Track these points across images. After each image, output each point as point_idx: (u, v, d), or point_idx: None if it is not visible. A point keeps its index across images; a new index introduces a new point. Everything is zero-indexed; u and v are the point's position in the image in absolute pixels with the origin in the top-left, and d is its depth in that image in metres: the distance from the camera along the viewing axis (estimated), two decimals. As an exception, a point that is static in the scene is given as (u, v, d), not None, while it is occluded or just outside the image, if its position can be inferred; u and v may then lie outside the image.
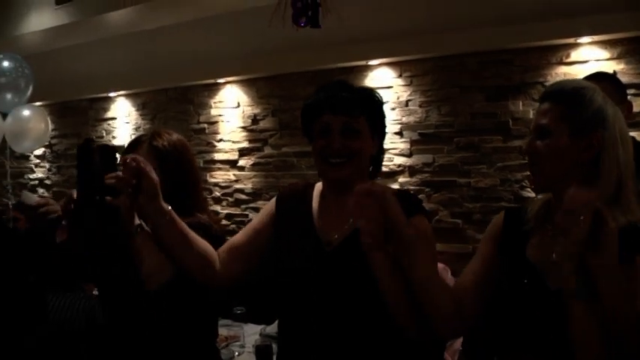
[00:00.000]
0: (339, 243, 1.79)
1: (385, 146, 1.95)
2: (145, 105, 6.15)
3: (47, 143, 6.45)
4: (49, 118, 5.75)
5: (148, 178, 1.70)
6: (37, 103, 6.72)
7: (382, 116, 1.89)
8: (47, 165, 6.95)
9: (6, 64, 5.22)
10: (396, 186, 4.57)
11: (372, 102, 1.86)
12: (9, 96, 5.27)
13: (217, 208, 5.56)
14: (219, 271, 1.85)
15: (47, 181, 6.98)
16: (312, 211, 1.89)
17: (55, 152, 6.85)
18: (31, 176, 7.10)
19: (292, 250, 1.85)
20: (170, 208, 1.74)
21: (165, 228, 1.74)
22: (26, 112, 5.36)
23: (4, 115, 5.29)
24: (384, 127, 1.91)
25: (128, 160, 1.72)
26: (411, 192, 2.55)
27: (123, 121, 6.32)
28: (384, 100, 1.97)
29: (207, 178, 5.61)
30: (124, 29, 5.32)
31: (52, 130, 6.70)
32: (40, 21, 5.38)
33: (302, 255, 1.82)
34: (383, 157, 1.95)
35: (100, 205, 1.70)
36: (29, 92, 5.36)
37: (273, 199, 1.97)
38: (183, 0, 4.66)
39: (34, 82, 5.32)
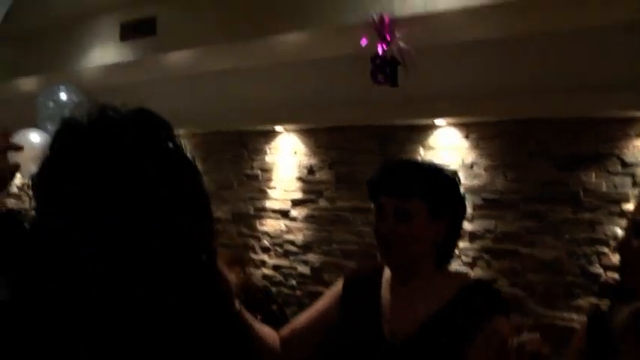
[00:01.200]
0: (405, 338, 1.69)
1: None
2: (199, 145, 6.09)
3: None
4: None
5: None
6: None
7: (449, 197, 1.76)
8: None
9: (63, 95, 5.21)
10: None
11: (432, 182, 1.74)
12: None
13: (265, 257, 5.44)
14: (280, 354, 1.81)
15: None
16: (380, 300, 1.80)
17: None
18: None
19: (355, 339, 1.77)
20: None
21: None
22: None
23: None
24: (456, 209, 1.79)
25: None
26: (491, 284, 2.38)
27: (174, 161, 6.26)
28: (447, 163, 1.86)
29: (257, 225, 5.50)
30: (184, 70, 5.29)
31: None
32: (103, 55, 5.38)
33: (364, 346, 1.74)
34: (454, 243, 1.82)
35: None
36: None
37: (340, 282, 1.90)
38: (247, 46, 4.60)
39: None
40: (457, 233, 1.81)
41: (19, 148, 1.73)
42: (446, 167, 1.86)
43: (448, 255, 1.80)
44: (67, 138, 1.01)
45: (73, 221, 0.95)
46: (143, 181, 0.97)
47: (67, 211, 0.96)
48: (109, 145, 0.99)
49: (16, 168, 1.74)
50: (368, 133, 4.92)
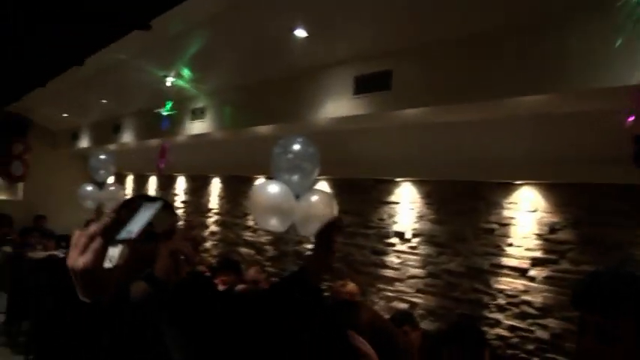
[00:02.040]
0: None
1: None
2: (429, 194, 5.99)
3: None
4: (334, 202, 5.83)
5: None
6: (322, 177, 6.93)
7: None
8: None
9: (297, 146, 5.38)
10: None
11: None
12: (296, 178, 5.41)
13: (500, 316, 5.16)
14: None
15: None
16: None
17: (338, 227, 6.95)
18: (309, 246, 7.30)
19: None
20: None
21: None
22: (315, 198, 5.47)
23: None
24: None
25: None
26: None
27: (407, 207, 6.21)
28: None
29: (492, 283, 5.24)
30: (418, 122, 5.20)
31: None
32: (336, 108, 5.47)
33: None
34: None
35: None
36: (315, 175, 5.48)
37: None
38: (484, 105, 4.38)
39: (319, 162, 5.44)
40: None
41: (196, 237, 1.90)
42: None
43: None
44: None
45: None
46: None
47: None
48: None
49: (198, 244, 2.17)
50: (615, 192, 4.48)
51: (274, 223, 5.37)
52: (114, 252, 1.30)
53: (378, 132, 5.87)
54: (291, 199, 5.30)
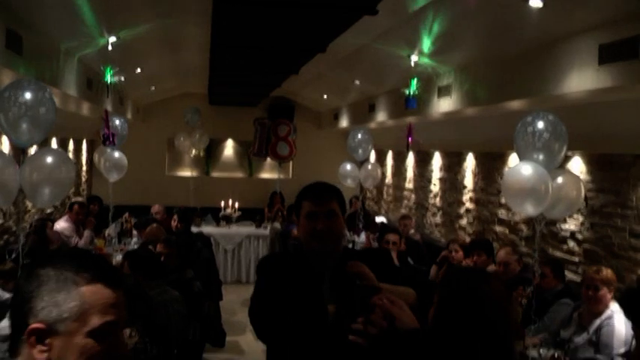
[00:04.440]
0: None
1: None
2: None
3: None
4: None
5: (400, 322, 1.83)
6: (574, 153, 6.44)
7: None
8: (581, 219, 6.59)
9: (540, 124, 5.04)
10: None
11: None
12: (542, 157, 5.08)
13: None
14: None
15: (579, 235, 6.63)
16: None
17: (590, 206, 6.42)
18: (564, 227, 6.85)
19: None
20: None
21: None
22: (562, 179, 5.13)
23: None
24: None
25: (381, 302, 1.89)
26: None
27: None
28: None
29: None
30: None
31: (588, 182, 6.32)
32: (579, 81, 5.01)
33: None
34: None
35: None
36: (562, 154, 5.11)
37: None
38: None
39: (566, 139, 5.05)
40: None
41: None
42: None
43: None
44: None
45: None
46: None
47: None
48: None
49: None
50: None
51: (528, 207, 5.15)
52: None
53: (634, 103, 5.29)
54: (546, 181, 5.02)
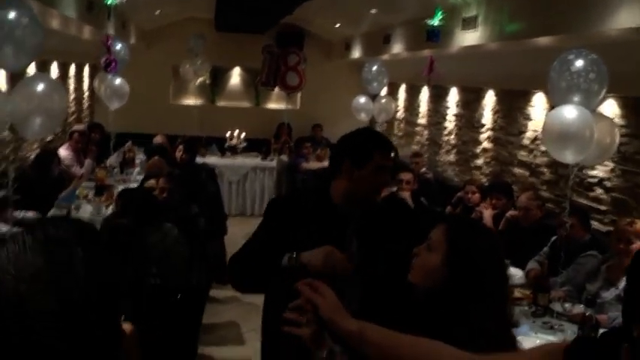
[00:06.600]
0: None
1: None
2: None
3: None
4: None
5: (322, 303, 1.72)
6: (609, 95, 5.98)
7: None
8: (611, 165, 6.19)
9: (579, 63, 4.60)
10: None
11: None
12: (577, 99, 4.66)
13: None
14: None
15: (607, 183, 6.25)
16: None
17: (622, 153, 6.00)
18: (591, 173, 6.45)
19: None
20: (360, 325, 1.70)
21: (361, 348, 1.66)
22: (596, 124, 4.71)
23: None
24: None
25: (300, 287, 1.77)
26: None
27: None
28: None
29: None
30: None
31: (622, 126, 5.89)
32: (627, 17, 4.53)
33: None
34: None
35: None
36: (600, 96, 4.68)
37: None
38: None
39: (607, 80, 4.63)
40: None
41: None
42: None
43: None
44: None
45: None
46: None
47: None
48: None
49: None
50: None
51: (568, 154, 4.79)
52: None
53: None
54: (591, 126, 4.63)
